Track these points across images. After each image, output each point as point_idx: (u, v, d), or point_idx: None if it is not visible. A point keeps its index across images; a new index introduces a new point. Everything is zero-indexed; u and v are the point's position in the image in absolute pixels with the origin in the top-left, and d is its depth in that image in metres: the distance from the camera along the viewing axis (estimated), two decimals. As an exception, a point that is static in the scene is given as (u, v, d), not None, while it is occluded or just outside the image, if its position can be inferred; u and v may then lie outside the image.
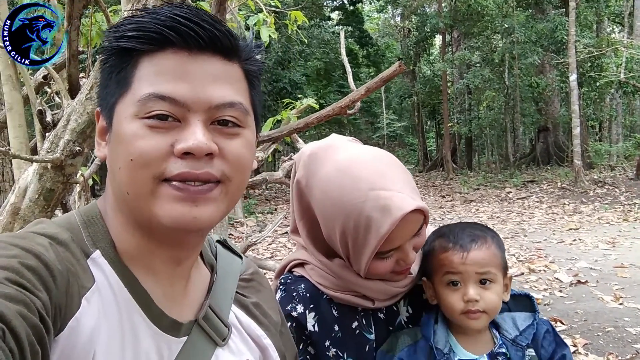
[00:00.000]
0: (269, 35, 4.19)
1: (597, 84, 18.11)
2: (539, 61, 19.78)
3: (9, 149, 2.54)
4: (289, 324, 1.27)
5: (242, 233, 10.13)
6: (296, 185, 1.32)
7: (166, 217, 0.80)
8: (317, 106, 4.47)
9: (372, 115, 31.22)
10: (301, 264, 1.41)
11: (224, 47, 0.84)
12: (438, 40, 28.64)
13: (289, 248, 9.27)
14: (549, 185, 17.27)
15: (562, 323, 4.99)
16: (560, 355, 1.35)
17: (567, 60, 16.96)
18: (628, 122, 24.11)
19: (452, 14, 23.01)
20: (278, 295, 1.38)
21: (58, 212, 2.43)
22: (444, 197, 17.92)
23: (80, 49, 2.83)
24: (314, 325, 1.34)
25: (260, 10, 4.43)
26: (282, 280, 1.41)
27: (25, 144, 2.79)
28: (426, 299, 1.43)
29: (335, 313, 1.35)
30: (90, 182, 3.22)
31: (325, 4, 26.65)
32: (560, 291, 6.15)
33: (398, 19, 31.05)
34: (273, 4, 4.98)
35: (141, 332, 0.82)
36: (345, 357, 1.34)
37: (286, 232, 10.19)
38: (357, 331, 1.36)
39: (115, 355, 0.78)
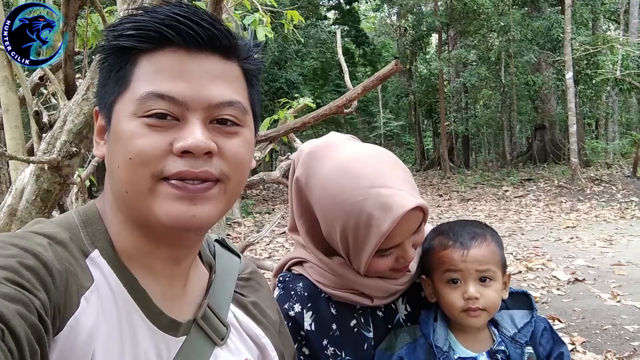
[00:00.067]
0: (265, 35, 4.19)
1: (593, 81, 18.16)
2: (535, 59, 19.80)
3: (6, 150, 2.53)
4: (286, 323, 1.27)
5: (240, 233, 10.12)
6: (295, 183, 1.31)
7: (165, 216, 0.79)
8: (314, 106, 4.47)
9: (369, 115, 31.26)
10: (300, 263, 1.41)
11: (222, 46, 0.84)
12: (434, 38, 28.63)
13: (286, 248, 9.27)
14: (546, 183, 17.30)
15: (560, 321, 5.00)
16: (558, 352, 1.35)
17: (563, 58, 16.99)
18: (624, 119, 24.14)
19: (448, 12, 23.05)
20: (276, 293, 1.38)
21: (55, 213, 2.42)
22: (441, 195, 17.94)
23: (76, 49, 2.83)
24: (311, 325, 1.33)
25: (256, 10, 4.42)
26: (281, 278, 1.42)
27: (22, 145, 2.78)
28: (424, 296, 1.43)
29: (333, 311, 1.35)
30: (88, 183, 3.21)
31: (321, 3, 26.65)
32: (558, 289, 6.16)
33: (394, 17, 31.08)
34: (269, 3, 4.97)
35: (140, 332, 0.82)
36: (343, 355, 1.34)
37: (284, 232, 10.19)
38: (356, 329, 1.36)
39: (114, 355, 0.78)
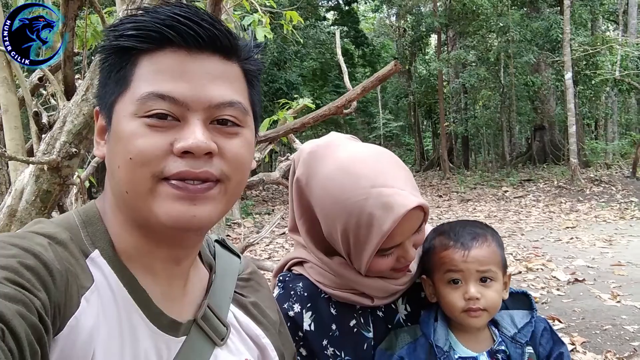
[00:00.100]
0: (265, 36, 4.19)
1: (593, 82, 18.17)
2: (534, 60, 19.82)
3: (5, 151, 2.53)
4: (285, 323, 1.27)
5: (240, 234, 10.13)
6: (296, 183, 1.31)
7: (165, 216, 0.79)
8: (313, 106, 4.47)
9: (368, 115, 31.26)
10: (300, 263, 1.41)
11: (223, 46, 0.84)
12: (433, 39, 28.65)
13: (286, 249, 9.26)
14: (545, 183, 17.31)
15: (560, 321, 5.00)
16: (557, 353, 1.35)
17: (562, 58, 17.01)
18: (624, 120, 24.16)
19: (447, 13, 23.05)
20: (276, 292, 1.38)
21: (55, 213, 2.42)
22: (440, 196, 17.94)
23: (76, 50, 2.83)
24: (310, 325, 1.34)
25: (256, 11, 4.42)
26: (281, 278, 1.42)
27: (22, 145, 2.78)
28: (424, 297, 1.43)
29: (333, 312, 1.35)
30: (87, 184, 3.21)
31: (320, 4, 26.66)
32: (558, 289, 6.17)
33: (393, 18, 31.09)
34: (268, 4, 4.97)
35: (140, 332, 0.82)
36: (343, 355, 1.34)
37: (284, 233, 10.19)
38: (355, 329, 1.36)
39: (115, 355, 0.78)
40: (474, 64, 23.06)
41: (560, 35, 17.55)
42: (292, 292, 1.36)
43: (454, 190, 18.74)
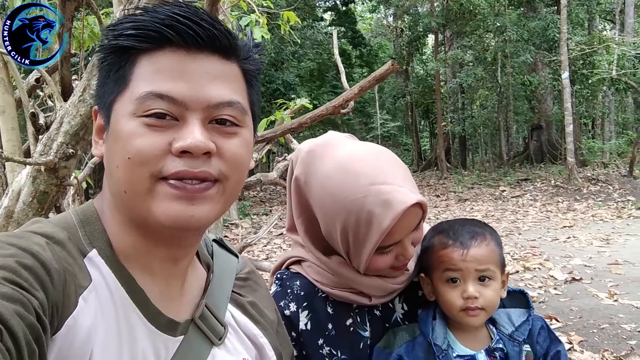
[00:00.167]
0: (262, 36, 4.19)
1: (590, 81, 18.20)
2: (531, 59, 19.84)
3: (2, 152, 2.53)
4: None
5: (237, 235, 10.12)
6: (294, 182, 1.31)
7: (163, 216, 0.79)
8: (310, 106, 4.47)
9: (365, 116, 31.24)
10: (298, 261, 1.41)
11: (222, 46, 0.84)
12: (431, 39, 28.69)
13: (284, 249, 9.26)
14: (542, 183, 17.33)
15: (557, 320, 5.01)
16: (555, 351, 1.35)
17: (559, 58, 17.04)
18: (620, 119, 24.20)
19: (445, 13, 23.08)
20: (273, 289, 1.39)
21: (52, 215, 2.42)
22: (438, 196, 17.96)
23: (73, 51, 2.82)
24: (306, 324, 1.34)
25: (253, 11, 4.42)
26: (278, 276, 1.42)
27: (18, 147, 2.78)
28: (422, 295, 1.43)
29: (329, 311, 1.36)
30: (84, 185, 3.21)
31: (317, 4, 26.65)
32: (555, 289, 6.18)
33: (390, 19, 31.09)
34: (265, 4, 4.97)
35: (138, 331, 0.82)
36: (339, 355, 1.34)
37: (281, 234, 10.19)
38: (352, 328, 1.36)
39: (113, 354, 0.78)
40: (471, 63, 23.09)
41: (557, 35, 17.58)
42: (288, 291, 1.36)
43: (451, 190, 18.76)
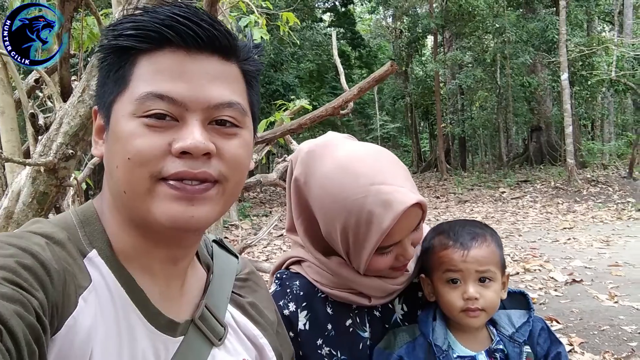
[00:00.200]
0: (261, 37, 4.19)
1: (589, 82, 18.21)
2: (530, 61, 19.87)
3: (2, 153, 2.53)
4: None
5: (237, 236, 10.12)
6: (294, 183, 1.31)
7: (163, 216, 0.79)
8: (310, 107, 4.47)
9: (365, 117, 31.26)
10: (298, 262, 1.41)
11: (222, 46, 0.84)
12: (430, 40, 28.73)
13: (284, 251, 9.25)
14: (542, 184, 17.34)
15: (558, 322, 5.01)
16: (555, 352, 1.35)
17: (559, 59, 17.06)
18: (620, 120, 24.23)
19: (444, 14, 23.09)
20: (272, 288, 1.39)
21: (52, 216, 2.42)
22: (438, 197, 17.96)
23: (72, 52, 2.82)
24: (305, 324, 1.34)
25: (252, 12, 4.42)
26: (278, 275, 1.42)
27: (18, 147, 2.78)
28: (421, 296, 1.43)
29: (329, 311, 1.36)
30: (84, 186, 3.20)
31: (316, 5, 26.66)
32: (556, 290, 6.17)
33: (390, 20, 31.12)
34: (264, 5, 4.97)
35: (138, 332, 0.82)
36: (339, 355, 1.34)
37: (281, 235, 10.19)
38: (351, 329, 1.36)
39: (112, 354, 0.78)
40: (470, 65, 23.10)
41: (556, 36, 17.59)
42: (288, 290, 1.36)
43: (451, 192, 18.77)
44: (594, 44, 17.98)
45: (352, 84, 3.52)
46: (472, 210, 14.70)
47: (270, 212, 16.03)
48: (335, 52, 4.84)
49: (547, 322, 1.43)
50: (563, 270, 7.06)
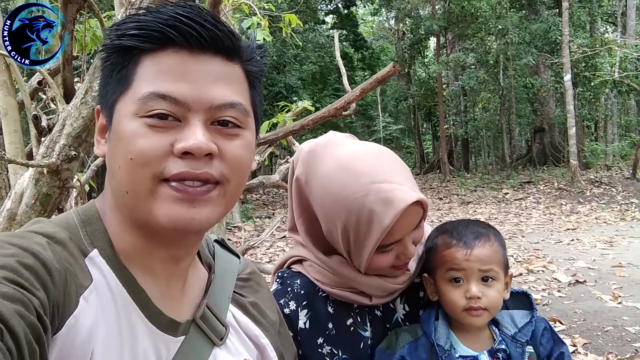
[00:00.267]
0: (264, 39, 4.20)
1: (592, 83, 18.16)
2: (533, 62, 19.84)
3: (5, 154, 2.53)
4: None
5: (240, 238, 10.11)
6: (295, 182, 1.31)
7: (165, 218, 0.79)
8: (312, 109, 4.47)
9: (368, 119, 31.29)
10: (299, 261, 1.41)
11: (225, 47, 0.84)
12: (432, 42, 28.71)
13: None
14: (545, 185, 17.30)
15: (561, 323, 4.99)
16: (558, 352, 1.35)
17: (562, 60, 17.03)
18: (623, 121, 24.17)
19: (446, 16, 23.09)
20: (274, 287, 1.39)
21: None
22: (441, 199, 17.93)
23: (75, 54, 2.83)
24: (305, 323, 1.34)
25: (254, 14, 4.42)
26: (279, 274, 1.42)
27: (21, 149, 2.78)
28: (423, 296, 1.43)
29: (330, 310, 1.36)
30: (87, 188, 3.21)
31: (319, 7, 26.69)
32: (559, 291, 6.16)
33: (392, 21, 31.09)
34: (267, 7, 4.98)
35: (139, 331, 0.82)
36: (340, 354, 1.34)
37: (284, 237, 10.18)
38: (352, 328, 1.36)
39: (114, 354, 0.78)
40: (473, 66, 23.08)
41: (559, 37, 17.57)
42: (289, 289, 1.37)
43: (454, 193, 18.74)
44: (597, 45, 17.94)
45: (355, 86, 3.52)
46: (475, 211, 14.67)
47: (273, 214, 16.03)
48: (337, 54, 4.84)
49: (551, 323, 1.42)
50: (566, 271, 7.04)
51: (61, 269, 0.73)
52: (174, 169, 0.78)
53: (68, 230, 0.82)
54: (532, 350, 1.33)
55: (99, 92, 0.90)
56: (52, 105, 3.79)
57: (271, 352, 1.03)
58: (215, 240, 1.12)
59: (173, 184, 0.79)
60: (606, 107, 21.73)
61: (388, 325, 1.40)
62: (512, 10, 20.71)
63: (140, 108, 0.79)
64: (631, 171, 16.40)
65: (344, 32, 25.72)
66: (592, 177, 16.88)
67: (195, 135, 0.78)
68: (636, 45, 17.19)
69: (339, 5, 26.38)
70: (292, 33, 5.13)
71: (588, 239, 9.33)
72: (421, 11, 26.72)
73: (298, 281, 1.38)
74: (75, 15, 2.32)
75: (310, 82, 25.75)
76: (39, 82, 3.31)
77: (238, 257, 1.13)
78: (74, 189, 2.55)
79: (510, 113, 21.96)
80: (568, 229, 10.74)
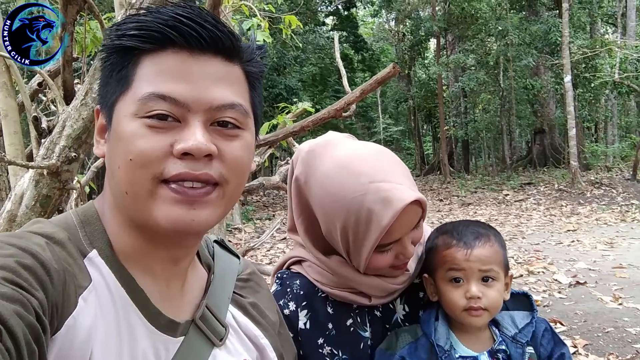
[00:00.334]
0: (264, 40, 4.20)
1: (592, 85, 18.16)
2: (533, 63, 19.85)
3: (5, 155, 2.53)
4: None
5: (240, 239, 10.11)
6: (294, 182, 1.31)
7: (164, 219, 0.79)
8: (313, 110, 4.47)
9: (368, 120, 31.31)
10: (299, 261, 1.41)
11: (225, 47, 0.84)
12: (432, 43, 28.74)
13: (287, 253, 9.22)
14: (546, 187, 17.30)
15: (562, 324, 4.99)
16: (559, 353, 1.34)
17: (562, 61, 17.03)
18: (623, 122, 24.16)
19: (446, 17, 23.12)
20: (273, 288, 1.39)
21: (55, 219, 2.41)
22: (441, 200, 17.93)
23: (75, 56, 2.83)
24: (305, 324, 1.34)
25: (254, 15, 4.42)
26: (279, 275, 1.42)
27: (21, 150, 2.78)
28: (423, 297, 1.43)
29: (329, 311, 1.36)
30: (87, 189, 3.21)
31: (319, 9, 26.72)
32: (560, 292, 6.15)
33: (392, 23, 31.12)
34: (267, 9, 4.98)
35: (138, 332, 0.82)
36: (340, 354, 1.34)
37: (284, 238, 10.18)
38: (352, 329, 1.36)
39: (113, 354, 0.78)
40: (473, 67, 23.09)
41: (559, 39, 17.58)
42: (288, 290, 1.37)
43: (454, 194, 18.74)
44: (597, 46, 17.94)
45: (355, 87, 3.52)
46: (476, 213, 14.67)
47: (274, 215, 16.03)
48: (337, 56, 4.85)
49: (551, 324, 1.42)
50: (567, 272, 7.04)
51: (60, 269, 0.73)
52: (173, 170, 0.78)
53: (67, 231, 0.82)
54: (533, 351, 1.33)
55: (99, 92, 0.90)
56: (52, 107, 3.80)
57: (271, 352, 1.02)
58: (215, 241, 1.11)
59: (173, 185, 0.78)
60: (606, 108, 21.73)
61: (387, 326, 1.40)
62: (512, 11, 20.73)
63: (140, 108, 0.79)
64: (631, 172, 16.39)
65: (344, 33, 25.75)
66: (592, 178, 16.88)
67: (195, 136, 0.78)
68: (636, 46, 17.19)
69: (339, 6, 26.41)
70: (292, 35, 5.13)
71: (588, 240, 9.33)
72: (421, 13, 26.74)
73: (297, 282, 1.37)
74: (76, 16, 2.32)
75: (310, 84, 25.78)
76: (39, 84, 3.31)
77: (238, 257, 1.13)
78: (74, 191, 2.55)
79: (511, 114, 21.96)
80: (568, 230, 10.74)
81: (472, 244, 1.31)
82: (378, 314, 1.39)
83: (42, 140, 2.36)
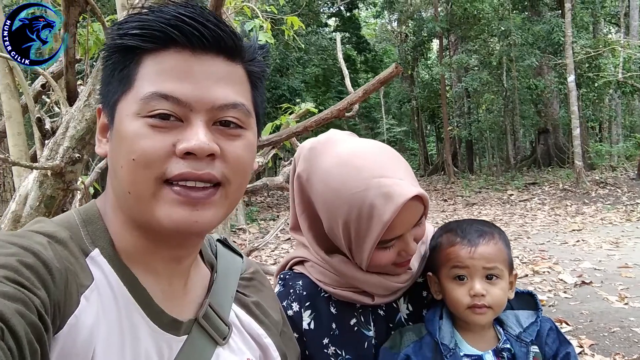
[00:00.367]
0: (266, 41, 4.20)
1: (596, 84, 18.14)
2: (536, 63, 19.82)
3: (9, 156, 2.54)
4: None
5: (245, 240, 10.12)
6: (296, 179, 1.31)
7: (167, 220, 0.79)
8: (315, 111, 4.47)
9: (371, 121, 31.29)
10: (301, 262, 1.41)
11: (227, 47, 0.84)
12: (435, 44, 28.74)
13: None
14: (550, 187, 17.27)
15: (568, 324, 4.98)
16: (564, 353, 1.34)
17: (565, 61, 17.00)
18: (628, 122, 24.13)
19: (449, 18, 23.11)
20: (276, 289, 1.39)
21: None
22: (445, 200, 17.91)
23: (78, 57, 2.84)
24: (309, 324, 1.34)
25: (257, 17, 4.43)
26: (281, 276, 1.42)
27: (25, 151, 2.79)
28: (426, 296, 1.43)
29: (333, 310, 1.35)
30: (92, 190, 3.22)
31: (321, 10, 26.73)
32: (565, 292, 6.14)
33: (395, 24, 31.16)
34: (269, 10, 4.98)
35: (141, 331, 0.82)
36: (344, 354, 1.33)
37: (289, 238, 10.19)
38: (356, 328, 1.36)
39: (115, 353, 0.77)
40: (476, 68, 23.06)
41: (562, 39, 17.55)
42: (291, 291, 1.37)
43: (459, 195, 18.72)
44: (600, 46, 17.92)
45: (358, 88, 3.52)
46: (480, 212, 14.65)
47: (278, 216, 16.04)
48: (340, 56, 4.85)
49: (557, 324, 1.41)
50: (572, 272, 7.02)
51: (62, 268, 0.73)
52: (176, 170, 0.78)
53: (69, 230, 0.82)
54: (537, 350, 1.32)
55: (101, 92, 0.89)
56: (56, 108, 3.81)
57: (274, 352, 1.02)
58: (218, 240, 1.11)
59: (175, 187, 0.78)
60: (610, 107, 21.67)
61: (391, 325, 1.39)
62: (514, 11, 20.72)
63: (142, 108, 0.79)
64: (636, 172, 16.35)
65: (347, 34, 25.77)
66: (597, 178, 16.84)
67: (198, 136, 0.78)
68: (639, 46, 17.17)
69: (342, 8, 26.42)
70: (295, 36, 5.13)
71: (594, 240, 9.30)
72: (424, 13, 26.75)
73: (300, 282, 1.37)
74: (78, 18, 2.33)
75: (313, 85, 25.80)
76: (43, 86, 3.32)
77: (241, 256, 1.12)
78: (78, 191, 2.55)
79: (514, 114, 21.94)
80: (573, 230, 10.71)
81: (476, 242, 1.31)
82: (382, 313, 1.39)
83: (46, 142, 2.36)
